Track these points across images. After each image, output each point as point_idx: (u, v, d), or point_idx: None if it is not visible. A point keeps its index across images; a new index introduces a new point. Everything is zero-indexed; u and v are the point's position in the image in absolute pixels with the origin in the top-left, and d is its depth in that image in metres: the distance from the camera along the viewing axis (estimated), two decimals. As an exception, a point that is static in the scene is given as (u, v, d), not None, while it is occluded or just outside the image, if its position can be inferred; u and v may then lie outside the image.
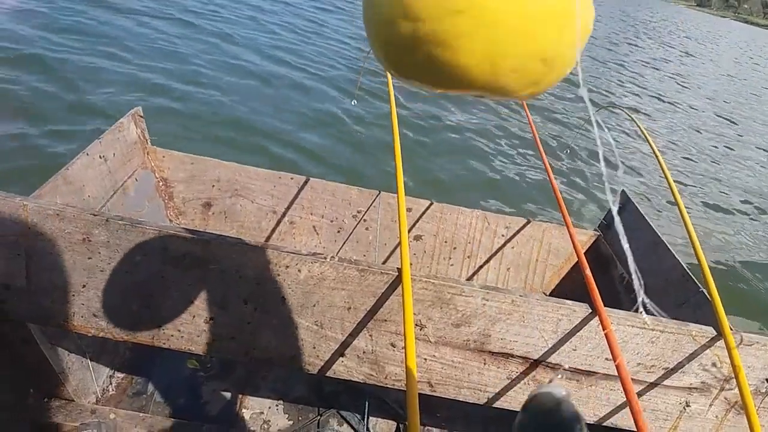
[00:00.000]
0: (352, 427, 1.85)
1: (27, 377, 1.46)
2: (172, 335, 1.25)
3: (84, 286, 1.20)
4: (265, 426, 1.81)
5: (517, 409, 1.32)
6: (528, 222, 2.33)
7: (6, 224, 1.13)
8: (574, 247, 1.49)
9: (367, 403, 1.89)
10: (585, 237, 2.36)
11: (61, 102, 4.12)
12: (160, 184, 2.18)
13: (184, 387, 1.87)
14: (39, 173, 3.02)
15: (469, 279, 2.41)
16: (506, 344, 1.24)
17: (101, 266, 1.18)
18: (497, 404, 1.32)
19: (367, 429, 1.74)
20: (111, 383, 1.79)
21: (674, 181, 1.73)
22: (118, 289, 1.20)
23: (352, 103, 5.08)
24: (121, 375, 1.83)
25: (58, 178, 1.55)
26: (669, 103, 10.45)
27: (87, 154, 1.71)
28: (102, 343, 1.70)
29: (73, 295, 1.21)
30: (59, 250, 1.16)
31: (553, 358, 1.26)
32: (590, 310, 1.23)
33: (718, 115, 10.56)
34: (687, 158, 7.30)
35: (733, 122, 10.42)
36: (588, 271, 1.34)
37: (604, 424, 1.35)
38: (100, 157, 1.78)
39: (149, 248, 1.16)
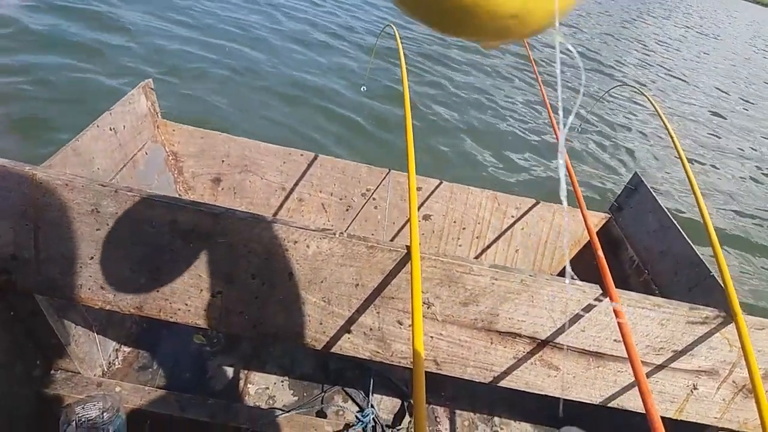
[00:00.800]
0: (357, 404, 1.86)
1: (34, 349, 1.47)
2: (179, 309, 1.25)
3: (92, 257, 1.20)
4: (271, 401, 1.82)
5: (524, 389, 1.32)
6: (538, 203, 2.31)
7: (15, 194, 1.13)
8: (587, 228, 1.48)
9: (372, 380, 1.90)
10: (596, 219, 2.34)
11: (70, 72, 4.11)
12: (170, 158, 2.17)
13: (190, 362, 1.88)
14: (48, 144, 3.04)
15: (477, 259, 2.40)
16: (514, 324, 1.24)
17: (109, 237, 1.17)
18: (503, 383, 1.32)
19: (372, 406, 1.75)
20: (117, 357, 1.80)
21: (689, 162, 1.70)
22: (126, 262, 1.20)
23: (362, 89, 5.05)
24: (127, 349, 1.85)
25: (67, 149, 1.54)
26: (683, 81, 10.29)
27: (97, 126, 1.70)
28: (109, 316, 1.71)
29: (81, 267, 1.21)
30: (68, 220, 1.16)
31: (561, 339, 1.25)
32: (600, 291, 1.22)
33: (731, 94, 10.39)
34: (702, 138, 7.20)
35: (749, 102, 10.26)
36: (600, 252, 1.33)
37: (610, 405, 1.35)
38: (110, 129, 1.77)
39: (158, 221, 1.16)
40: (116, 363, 1.79)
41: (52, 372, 1.54)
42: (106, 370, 1.73)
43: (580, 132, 5.82)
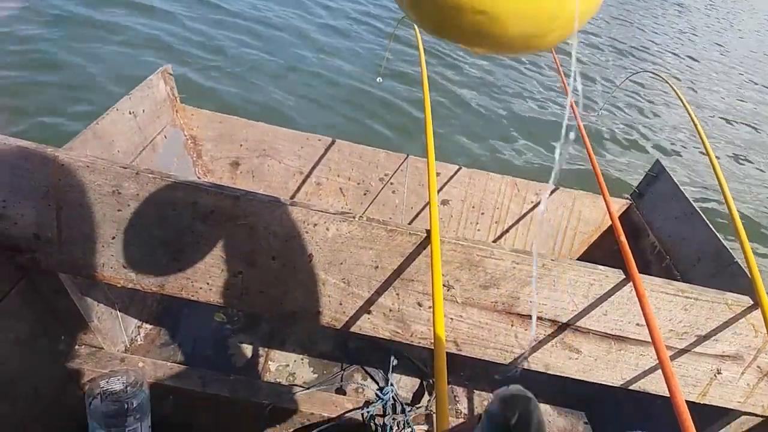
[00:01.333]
0: (376, 382, 1.87)
1: (58, 325, 1.49)
2: (200, 288, 1.26)
3: (114, 237, 1.21)
4: (291, 378, 1.84)
5: (543, 371, 1.32)
6: (557, 188, 2.29)
7: (37, 175, 1.14)
8: (609, 213, 1.47)
9: (391, 359, 1.91)
10: (617, 205, 2.31)
11: (89, 57, 4.14)
12: (189, 142, 2.18)
13: (211, 339, 1.91)
14: (68, 127, 3.08)
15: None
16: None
17: (131, 219, 1.18)
18: (523, 365, 1.32)
19: (391, 384, 1.76)
20: (139, 333, 1.83)
21: (712, 149, 1.67)
22: (148, 242, 1.21)
23: (377, 80, 4.98)
24: (149, 326, 1.87)
25: (87, 132, 1.56)
26: (707, 68, 10.09)
27: (117, 110, 1.72)
28: (131, 294, 1.74)
29: (103, 247, 1.22)
30: (89, 201, 1.17)
31: (583, 322, 1.25)
32: (623, 276, 1.21)
33: (756, 83, 10.17)
34: (726, 126, 7.07)
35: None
36: (623, 238, 1.32)
37: (631, 387, 1.34)
38: (129, 113, 1.78)
39: (179, 202, 1.16)
40: (138, 340, 1.81)
41: (76, 347, 1.56)
42: (128, 346, 1.76)
43: (600, 117, 5.74)
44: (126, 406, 1.34)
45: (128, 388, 1.37)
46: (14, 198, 1.17)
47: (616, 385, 1.34)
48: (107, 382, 1.36)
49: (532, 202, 2.29)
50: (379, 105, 4.79)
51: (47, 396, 1.45)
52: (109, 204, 1.17)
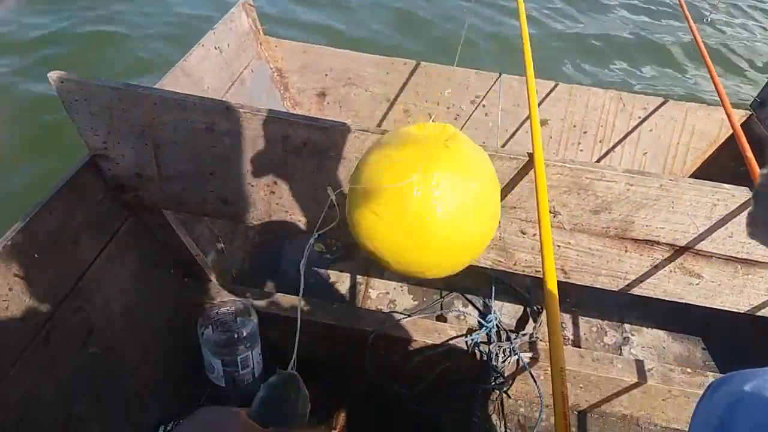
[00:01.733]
0: (478, 309, 1.86)
1: (167, 258, 1.56)
2: (299, 220, 1.27)
3: (211, 173, 1.22)
4: (392, 305, 1.87)
5: (661, 297, 1.22)
6: (666, 101, 2.09)
7: (132, 115, 1.15)
8: (731, 125, 1.32)
9: (492, 286, 1.88)
10: (735, 116, 2.08)
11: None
12: (275, 74, 2.16)
13: (312, 269, 1.96)
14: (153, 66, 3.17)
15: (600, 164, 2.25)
16: (652, 231, 1.13)
17: (226, 154, 1.18)
18: (636, 291, 1.24)
19: (494, 312, 1.73)
20: (244, 265, 1.89)
21: None
22: (244, 177, 1.22)
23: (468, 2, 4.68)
24: (253, 257, 1.94)
25: (176, 69, 1.56)
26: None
27: (202, 46, 1.71)
28: (233, 227, 1.79)
29: (202, 183, 1.23)
30: (184, 139, 1.17)
31: (704, 245, 1.14)
32: (751, 194, 1.07)
33: None
34: None
35: None
36: (749, 152, 1.18)
37: (759, 314, 1.23)
38: (215, 48, 1.78)
39: (270, 136, 1.14)
40: (244, 270, 1.88)
41: (186, 280, 1.64)
42: (235, 277, 1.83)
43: (712, 19, 5.17)
44: (236, 336, 1.40)
45: (237, 318, 1.42)
46: (114, 139, 1.20)
47: (741, 311, 1.24)
48: (217, 312, 1.42)
49: (639, 117, 2.10)
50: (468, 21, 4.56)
51: (162, 326, 1.53)
52: (203, 141, 1.17)
